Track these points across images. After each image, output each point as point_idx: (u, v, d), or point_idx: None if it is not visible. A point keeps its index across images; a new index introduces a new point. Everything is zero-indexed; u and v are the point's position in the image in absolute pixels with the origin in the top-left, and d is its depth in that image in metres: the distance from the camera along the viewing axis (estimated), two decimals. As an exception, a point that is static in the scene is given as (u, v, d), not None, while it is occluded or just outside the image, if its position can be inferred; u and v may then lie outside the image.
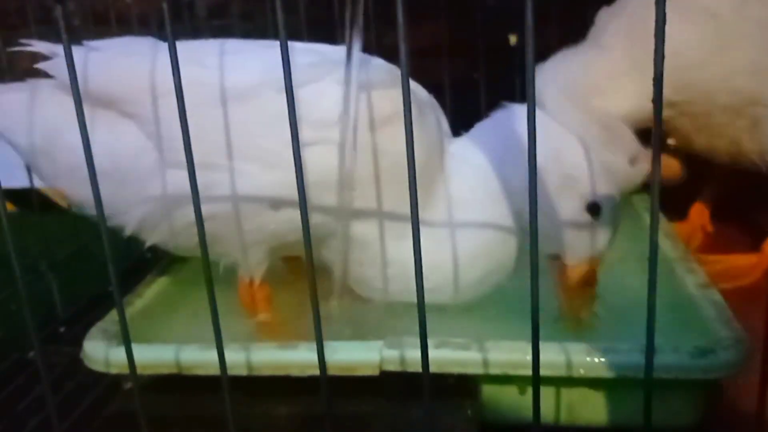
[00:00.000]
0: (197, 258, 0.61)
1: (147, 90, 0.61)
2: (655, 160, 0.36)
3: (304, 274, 0.43)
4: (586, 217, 0.65)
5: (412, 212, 0.39)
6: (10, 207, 0.53)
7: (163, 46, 0.65)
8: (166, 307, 0.73)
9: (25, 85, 0.68)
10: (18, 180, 0.81)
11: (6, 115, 0.68)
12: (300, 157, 0.39)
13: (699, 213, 1.01)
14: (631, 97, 0.83)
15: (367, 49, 0.66)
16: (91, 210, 0.65)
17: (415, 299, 0.40)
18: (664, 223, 0.83)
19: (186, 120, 0.41)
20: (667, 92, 0.78)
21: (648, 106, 0.79)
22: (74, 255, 0.93)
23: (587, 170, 0.65)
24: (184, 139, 0.42)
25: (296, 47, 0.66)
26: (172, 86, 0.41)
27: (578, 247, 0.66)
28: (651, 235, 0.37)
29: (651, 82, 0.39)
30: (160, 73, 0.61)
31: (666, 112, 0.83)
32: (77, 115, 0.41)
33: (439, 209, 0.67)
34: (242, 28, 1.23)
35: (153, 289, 0.73)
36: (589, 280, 0.67)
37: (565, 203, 0.65)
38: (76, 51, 0.63)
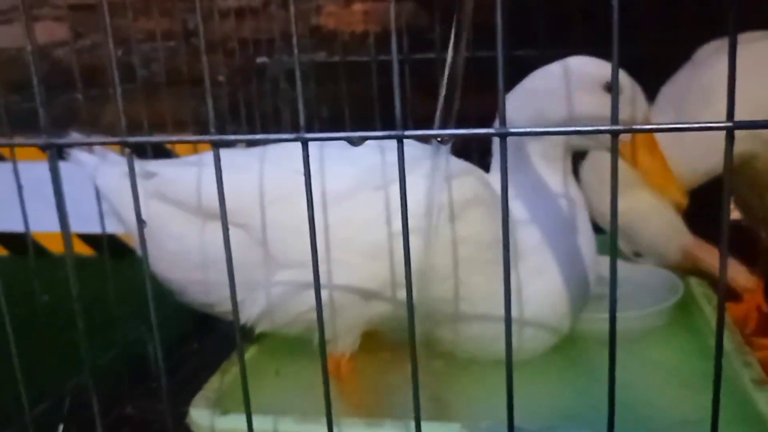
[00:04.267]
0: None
1: (255, 202, 0.68)
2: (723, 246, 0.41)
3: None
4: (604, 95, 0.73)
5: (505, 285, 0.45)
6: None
7: (267, 156, 0.72)
8: (256, 376, 0.78)
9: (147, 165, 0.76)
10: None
11: (118, 193, 0.76)
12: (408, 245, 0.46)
13: (753, 293, 1.03)
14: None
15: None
16: (190, 294, 0.73)
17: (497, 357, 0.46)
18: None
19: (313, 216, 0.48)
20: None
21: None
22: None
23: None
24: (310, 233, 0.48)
25: (385, 146, 0.73)
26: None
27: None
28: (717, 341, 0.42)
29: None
30: (266, 185, 0.68)
31: (752, 144, 0.88)
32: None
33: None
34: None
35: (247, 357, 0.79)
36: (649, 146, 0.74)
37: (588, 102, 0.73)
38: (174, 164, 0.71)
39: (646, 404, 0.71)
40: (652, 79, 0.95)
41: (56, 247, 1.53)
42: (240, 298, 0.71)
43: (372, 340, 0.82)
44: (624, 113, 0.74)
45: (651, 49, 1.05)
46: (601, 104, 0.73)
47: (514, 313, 0.73)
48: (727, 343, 0.77)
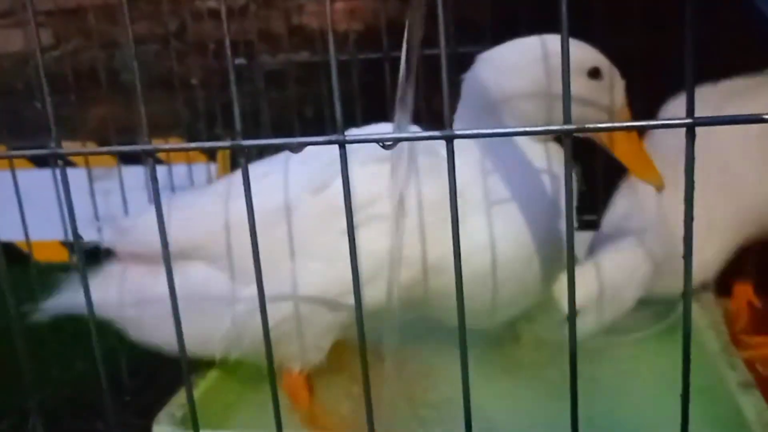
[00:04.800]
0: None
1: (209, 233, 0.69)
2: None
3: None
4: (591, 84, 0.68)
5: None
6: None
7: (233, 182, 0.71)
8: (220, 393, 0.76)
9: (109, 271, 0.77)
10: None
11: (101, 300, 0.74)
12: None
13: (743, 288, 1.00)
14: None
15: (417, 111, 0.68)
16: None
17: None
18: (710, 309, 0.83)
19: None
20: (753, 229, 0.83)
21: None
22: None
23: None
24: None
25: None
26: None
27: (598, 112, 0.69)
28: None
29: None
30: (232, 216, 0.68)
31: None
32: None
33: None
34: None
35: (213, 374, 0.76)
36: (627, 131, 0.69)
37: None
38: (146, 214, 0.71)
39: (623, 410, 0.69)
40: (636, 68, 0.92)
41: (42, 255, 1.52)
42: (209, 331, 0.69)
43: (338, 357, 0.79)
44: (604, 100, 0.69)
45: (637, 38, 1.03)
46: (584, 90, 0.68)
47: (486, 266, 0.67)
48: (713, 344, 0.75)
